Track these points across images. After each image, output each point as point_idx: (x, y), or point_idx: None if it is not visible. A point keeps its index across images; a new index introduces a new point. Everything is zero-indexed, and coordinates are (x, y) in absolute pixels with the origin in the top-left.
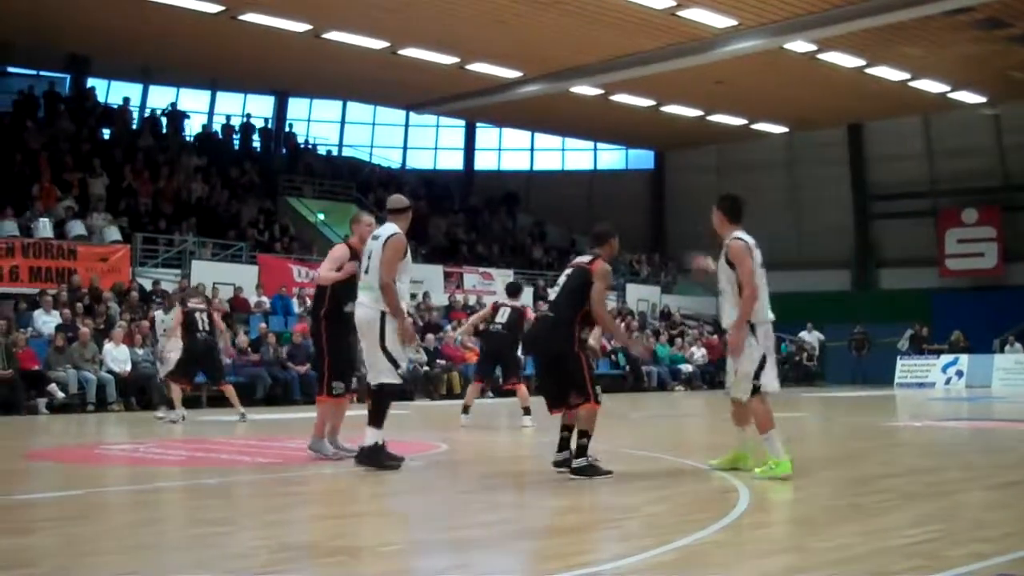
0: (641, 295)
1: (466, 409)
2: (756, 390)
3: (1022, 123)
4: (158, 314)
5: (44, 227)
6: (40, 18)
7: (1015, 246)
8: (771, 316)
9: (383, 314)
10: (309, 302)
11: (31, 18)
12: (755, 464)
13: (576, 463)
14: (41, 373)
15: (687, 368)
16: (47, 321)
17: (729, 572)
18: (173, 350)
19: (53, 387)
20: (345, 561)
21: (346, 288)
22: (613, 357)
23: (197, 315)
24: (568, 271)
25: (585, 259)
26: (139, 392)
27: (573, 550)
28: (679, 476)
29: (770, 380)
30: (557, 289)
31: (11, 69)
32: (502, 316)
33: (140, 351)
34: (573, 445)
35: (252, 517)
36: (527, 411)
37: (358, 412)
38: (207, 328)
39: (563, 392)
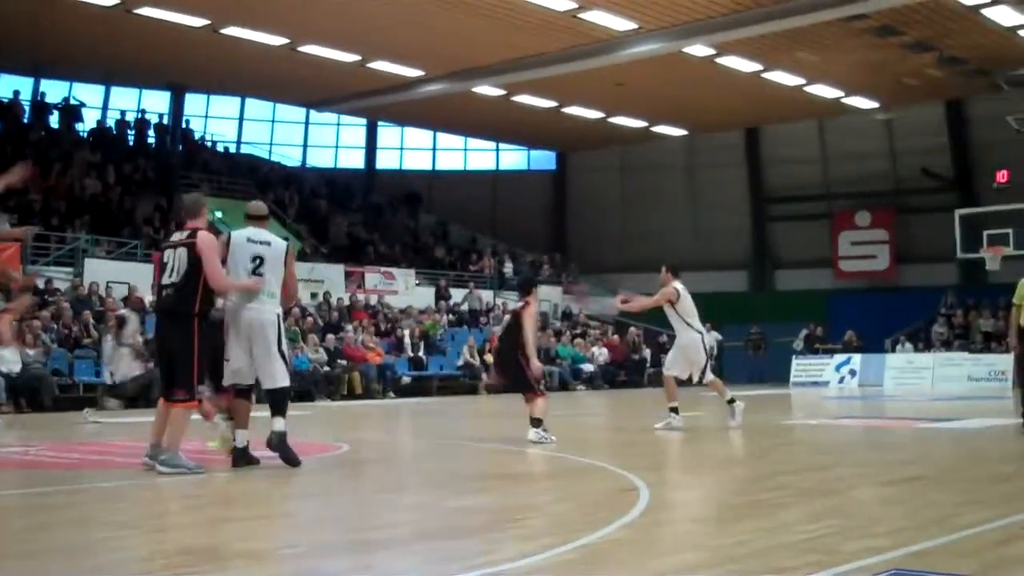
0: (543, 295)
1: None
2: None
3: (913, 128)
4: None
5: None
6: None
7: (906, 248)
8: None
9: (279, 316)
10: None
11: None
12: None
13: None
14: None
15: (589, 368)
16: None
17: (632, 570)
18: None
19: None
20: (248, 564)
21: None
22: None
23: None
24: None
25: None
26: (30, 393)
27: (477, 550)
28: (582, 475)
29: None
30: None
31: None
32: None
33: (31, 352)
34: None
35: (152, 520)
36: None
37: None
38: None
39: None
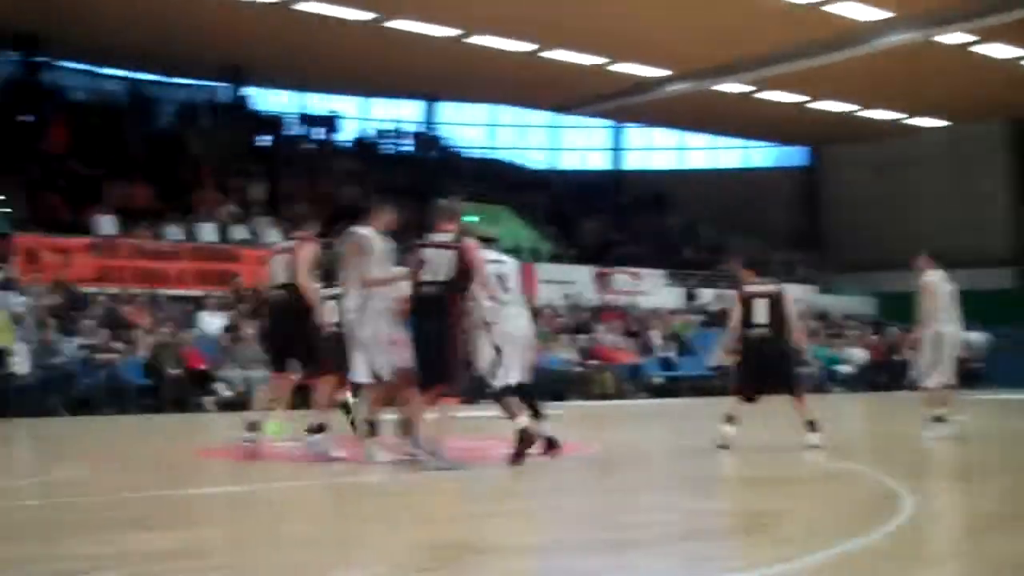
0: (797, 295)
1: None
2: None
3: None
4: None
5: (208, 232)
6: (200, 30)
7: None
8: None
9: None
10: None
11: (192, 30)
12: None
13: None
14: (207, 372)
15: (845, 369)
16: (211, 322)
17: None
18: None
19: (220, 386)
20: (506, 559)
21: None
22: None
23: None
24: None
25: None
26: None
27: (731, 553)
28: (838, 479)
29: None
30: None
31: (173, 80)
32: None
33: None
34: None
35: (413, 514)
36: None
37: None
38: None
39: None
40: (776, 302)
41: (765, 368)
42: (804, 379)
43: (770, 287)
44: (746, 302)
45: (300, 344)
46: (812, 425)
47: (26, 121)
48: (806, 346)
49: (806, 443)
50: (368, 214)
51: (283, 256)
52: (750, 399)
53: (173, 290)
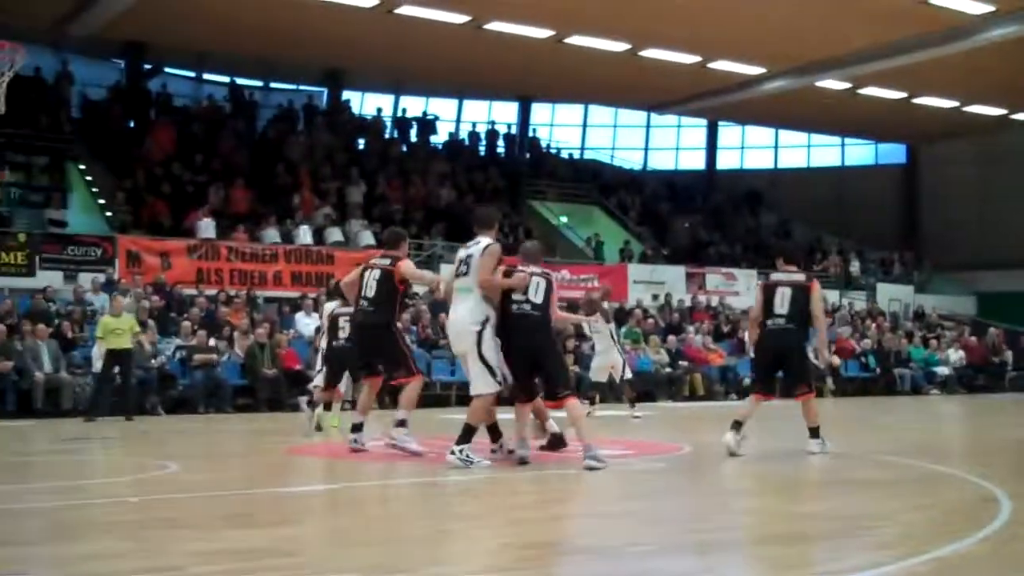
0: (893, 295)
1: None
2: None
3: None
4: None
5: (304, 234)
6: (300, 35)
7: None
8: None
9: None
10: None
11: (291, 36)
12: None
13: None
14: (302, 373)
15: (943, 371)
16: (308, 323)
17: None
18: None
19: (313, 386)
20: (591, 560)
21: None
22: (863, 359)
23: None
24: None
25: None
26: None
27: (822, 557)
28: (935, 483)
29: None
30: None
31: (273, 84)
32: None
33: None
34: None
35: (499, 514)
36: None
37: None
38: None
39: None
40: (800, 293)
41: (778, 362)
42: (814, 378)
43: (796, 277)
44: (768, 290)
45: (390, 354)
46: (815, 432)
47: (131, 127)
48: (826, 351)
49: (807, 449)
50: (485, 222)
51: (377, 272)
52: (766, 397)
53: (270, 292)
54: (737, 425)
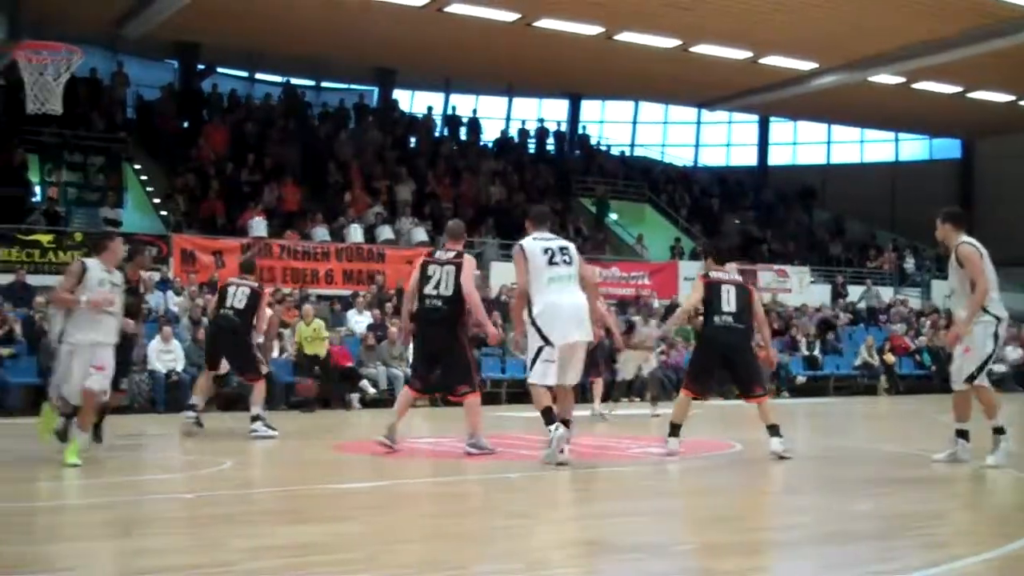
0: (946, 291)
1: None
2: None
3: None
4: None
5: (355, 232)
6: (351, 35)
7: None
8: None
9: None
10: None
11: (343, 35)
12: None
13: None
14: (353, 370)
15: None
16: (359, 321)
17: None
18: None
19: (365, 383)
20: (639, 558)
21: None
22: (918, 357)
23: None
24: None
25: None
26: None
27: (874, 556)
28: (990, 482)
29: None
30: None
31: (325, 83)
32: None
33: None
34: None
35: (549, 512)
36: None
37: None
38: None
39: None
40: (743, 291)
41: (724, 361)
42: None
43: (737, 277)
44: (713, 288)
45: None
46: (775, 430)
47: (185, 127)
48: (772, 350)
49: (770, 449)
50: (541, 221)
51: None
52: (702, 396)
53: (321, 289)
54: (675, 429)
